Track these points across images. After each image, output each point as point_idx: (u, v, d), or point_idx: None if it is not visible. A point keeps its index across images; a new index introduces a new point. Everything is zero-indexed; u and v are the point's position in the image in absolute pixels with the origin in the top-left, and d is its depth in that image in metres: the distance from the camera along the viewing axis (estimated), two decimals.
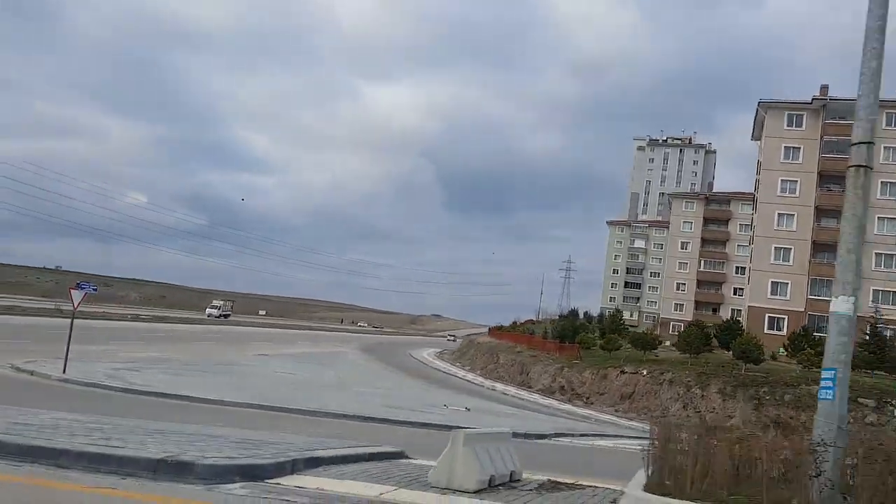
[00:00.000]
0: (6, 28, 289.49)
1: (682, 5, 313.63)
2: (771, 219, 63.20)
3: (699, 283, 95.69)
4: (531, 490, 8.86)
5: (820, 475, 6.61)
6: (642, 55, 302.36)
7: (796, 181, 62.79)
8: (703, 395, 45.55)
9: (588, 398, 51.74)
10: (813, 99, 62.99)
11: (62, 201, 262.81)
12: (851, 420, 40.62)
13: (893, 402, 41.53)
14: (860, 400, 42.02)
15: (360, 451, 10.41)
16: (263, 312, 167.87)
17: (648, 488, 7.10)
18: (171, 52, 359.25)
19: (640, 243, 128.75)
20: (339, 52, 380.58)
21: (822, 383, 7.39)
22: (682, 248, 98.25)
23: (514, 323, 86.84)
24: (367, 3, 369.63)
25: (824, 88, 65.17)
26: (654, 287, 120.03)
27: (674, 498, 6.69)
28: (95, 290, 24.92)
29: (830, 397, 7.28)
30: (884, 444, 7.17)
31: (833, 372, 7.26)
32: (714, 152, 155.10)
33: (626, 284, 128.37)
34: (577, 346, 57.57)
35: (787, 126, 63.57)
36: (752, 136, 71.01)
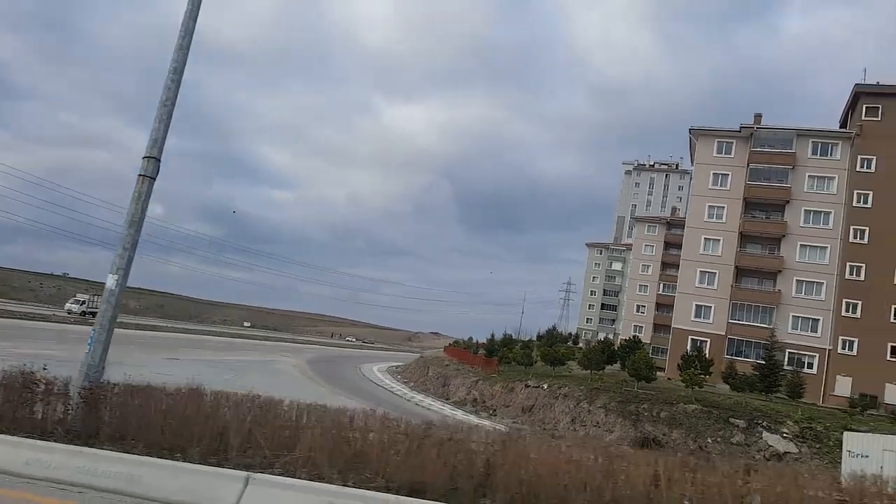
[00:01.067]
0: (34, 39, 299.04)
1: (698, 31, 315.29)
2: (697, 243, 64.62)
3: (658, 307, 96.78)
4: None
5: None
6: (657, 80, 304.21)
7: (723, 207, 64.14)
8: (589, 410, 47.11)
9: (494, 410, 53.45)
10: (741, 127, 64.52)
11: (74, 215, 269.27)
12: (719, 440, 42.39)
13: (764, 423, 42.66)
14: (732, 420, 43.24)
15: None
16: (248, 324, 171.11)
17: None
18: (197, 67, 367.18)
19: (617, 266, 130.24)
20: (361, 71, 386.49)
21: (89, 340, 9.80)
22: (642, 271, 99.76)
23: (470, 339, 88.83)
24: (391, 23, 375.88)
25: (758, 117, 66.71)
26: None
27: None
28: None
29: (88, 351, 9.70)
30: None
31: (94, 332, 9.66)
32: None
33: (603, 306, 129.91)
34: (496, 360, 59.40)
35: (717, 153, 65.07)
36: (691, 162, 72.61)
